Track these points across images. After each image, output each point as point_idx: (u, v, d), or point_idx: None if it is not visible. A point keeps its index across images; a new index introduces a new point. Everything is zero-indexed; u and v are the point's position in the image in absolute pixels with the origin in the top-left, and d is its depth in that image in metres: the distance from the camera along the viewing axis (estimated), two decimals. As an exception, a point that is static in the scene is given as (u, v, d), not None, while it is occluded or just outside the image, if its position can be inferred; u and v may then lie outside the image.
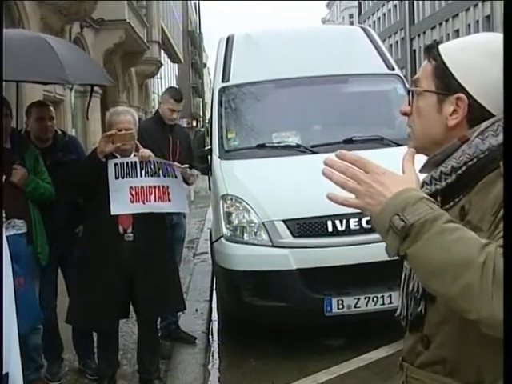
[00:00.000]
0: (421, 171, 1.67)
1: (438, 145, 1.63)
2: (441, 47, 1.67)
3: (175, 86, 51.76)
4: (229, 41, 7.42)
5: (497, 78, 1.55)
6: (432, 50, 1.68)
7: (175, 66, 51.92)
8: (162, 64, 32.15)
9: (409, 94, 1.72)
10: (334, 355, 5.50)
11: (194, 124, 56.39)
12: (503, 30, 1.48)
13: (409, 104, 1.71)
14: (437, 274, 1.33)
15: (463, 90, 1.58)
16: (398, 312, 1.72)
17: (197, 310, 6.89)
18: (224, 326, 6.72)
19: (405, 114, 1.73)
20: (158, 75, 34.13)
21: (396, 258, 1.42)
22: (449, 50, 1.65)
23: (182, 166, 4.87)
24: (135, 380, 5.06)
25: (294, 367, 5.32)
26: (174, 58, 46.57)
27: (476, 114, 1.58)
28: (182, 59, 50.58)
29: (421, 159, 1.68)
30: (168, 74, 45.98)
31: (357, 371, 5.22)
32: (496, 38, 1.63)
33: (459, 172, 1.57)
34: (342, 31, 8.82)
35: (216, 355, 6.06)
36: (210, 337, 6.48)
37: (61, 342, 5.16)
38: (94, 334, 5.11)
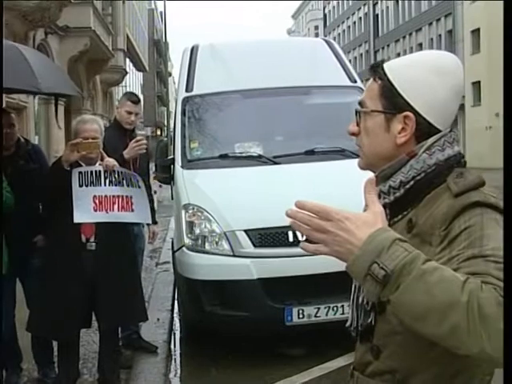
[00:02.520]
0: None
1: (387, 161, 1.67)
2: (386, 66, 1.69)
3: (140, 94, 51.63)
4: (193, 51, 7.46)
5: (443, 95, 1.62)
6: (377, 70, 1.70)
7: (140, 74, 51.82)
8: (126, 72, 32.00)
9: (356, 114, 1.74)
10: (295, 364, 5.52)
11: (159, 133, 56.26)
12: (503, 29, 1.52)
13: (357, 124, 1.73)
14: (422, 318, 1.32)
15: (410, 107, 1.62)
16: (349, 323, 1.75)
17: (158, 320, 6.88)
18: (185, 335, 6.72)
19: (353, 134, 1.75)
20: (123, 83, 33.98)
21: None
22: (394, 69, 1.67)
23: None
24: (95, 390, 5.04)
25: (255, 376, 5.35)
26: (139, 66, 46.44)
27: (424, 130, 1.62)
28: (148, 68, 50.46)
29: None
30: (133, 83, 45.84)
31: (317, 380, 5.26)
32: (442, 56, 1.69)
33: (407, 186, 1.62)
34: (305, 43, 8.91)
35: (177, 364, 6.06)
36: (172, 346, 6.48)
37: (20, 352, 5.12)
38: (54, 342, 5.08)
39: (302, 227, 1.43)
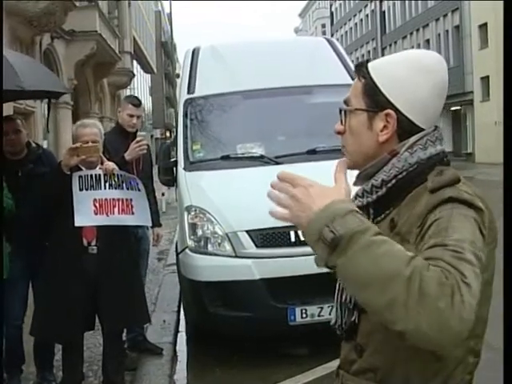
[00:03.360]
0: (354, 184, 1.73)
1: (371, 160, 1.68)
2: (370, 65, 1.71)
3: (148, 96, 51.73)
4: (194, 53, 7.49)
5: (425, 93, 1.63)
6: (361, 69, 1.72)
7: (148, 76, 51.92)
8: (134, 74, 32.09)
9: (341, 113, 1.75)
10: (298, 364, 5.56)
11: (168, 134, 56.31)
12: (503, 29, 1.53)
13: (342, 123, 1.75)
14: (364, 286, 1.35)
15: (392, 105, 1.63)
16: (333, 321, 1.77)
17: (164, 321, 6.91)
18: (190, 336, 6.75)
19: (338, 133, 1.76)
20: (131, 86, 34.06)
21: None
22: (377, 68, 1.69)
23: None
24: (100, 392, 5.07)
25: (258, 376, 5.38)
26: (147, 68, 46.59)
27: (405, 128, 1.64)
28: (155, 69, 50.56)
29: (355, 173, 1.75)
30: (141, 85, 45.94)
31: (320, 380, 5.28)
32: (425, 55, 1.70)
33: (389, 185, 1.63)
34: (307, 43, 8.93)
35: (182, 366, 6.09)
36: (177, 347, 6.50)
37: (23, 355, 5.14)
38: (57, 346, 5.12)
39: (272, 193, 1.50)
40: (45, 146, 17.55)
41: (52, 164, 5.18)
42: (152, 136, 50.32)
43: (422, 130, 1.65)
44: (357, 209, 1.43)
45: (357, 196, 1.71)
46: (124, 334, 5.57)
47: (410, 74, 1.64)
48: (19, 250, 4.62)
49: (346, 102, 1.75)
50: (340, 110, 1.75)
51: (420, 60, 1.67)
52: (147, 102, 51.41)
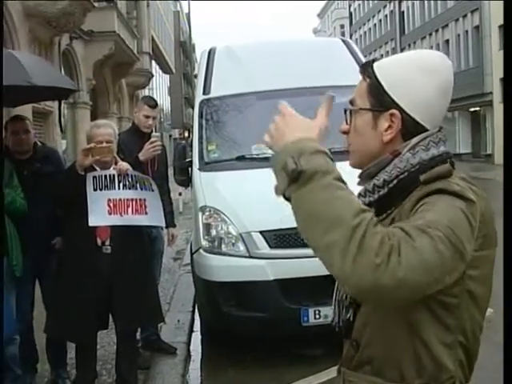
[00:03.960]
0: (358, 184, 1.75)
1: (375, 160, 1.70)
2: (375, 65, 1.72)
3: (167, 96, 51.85)
4: (210, 53, 7.51)
5: (430, 94, 1.64)
6: (367, 68, 1.73)
7: (167, 76, 52.02)
8: (152, 75, 32.20)
9: (346, 112, 1.77)
10: (311, 365, 5.55)
11: (186, 134, 56.41)
12: (503, 28, 1.53)
13: (347, 123, 1.76)
14: (312, 223, 1.41)
15: (397, 105, 1.64)
16: (331, 319, 1.81)
17: (179, 321, 6.94)
18: (204, 336, 6.77)
19: (344, 132, 1.78)
20: (150, 86, 34.17)
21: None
22: (382, 67, 1.70)
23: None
24: (113, 390, 5.10)
25: (272, 377, 5.38)
26: (165, 68, 46.68)
27: (410, 128, 1.65)
28: (174, 70, 50.67)
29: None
30: (160, 85, 46.06)
31: (334, 380, 5.25)
32: (430, 55, 1.71)
33: (390, 185, 1.64)
34: (322, 43, 8.94)
35: (195, 365, 6.11)
36: (191, 347, 6.52)
37: (36, 353, 5.19)
38: (69, 344, 5.16)
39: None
40: (63, 146, 17.77)
41: (58, 163, 5.22)
42: (170, 136, 50.47)
43: (427, 130, 1.65)
44: (327, 151, 1.48)
45: (359, 195, 1.72)
46: (138, 334, 5.60)
47: (415, 74, 1.65)
48: (27, 248, 4.66)
49: (352, 102, 1.76)
50: (345, 110, 1.77)
51: (424, 60, 1.68)
52: (166, 102, 51.56)
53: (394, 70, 1.68)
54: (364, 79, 1.73)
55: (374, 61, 1.76)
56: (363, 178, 1.74)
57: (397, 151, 1.65)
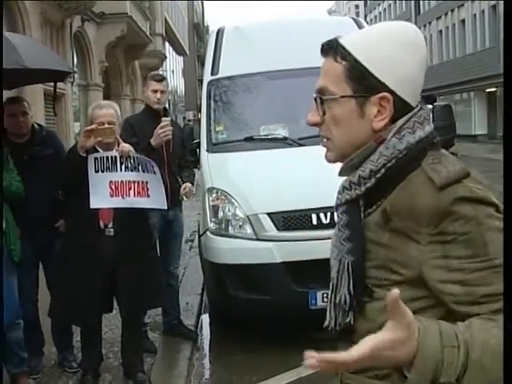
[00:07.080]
0: (339, 175, 1.62)
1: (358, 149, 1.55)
2: (347, 44, 1.53)
3: (181, 78, 51.69)
4: (219, 34, 7.38)
5: (414, 70, 1.52)
6: (337, 49, 1.53)
7: (181, 58, 51.85)
8: (165, 57, 32.08)
9: (316, 101, 1.57)
10: (319, 348, 5.41)
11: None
12: (503, 29, 1.43)
13: (319, 114, 1.57)
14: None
15: (385, 87, 1.49)
16: (327, 323, 1.65)
17: (187, 304, 6.90)
18: (212, 319, 6.72)
19: (314, 124, 1.59)
20: (164, 68, 34.02)
21: None
22: (360, 47, 1.52)
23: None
24: (120, 373, 5.07)
25: (278, 360, 5.31)
26: (179, 50, 46.52)
27: (400, 111, 1.50)
28: (188, 52, 50.49)
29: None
30: (174, 67, 45.92)
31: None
32: (406, 29, 1.56)
33: (378, 175, 1.50)
34: (333, 22, 8.76)
35: (202, 348, 6.07)
36: (199, 330, 6.47)
37: (42, 336, 5.17)
38: (75, 327, 5.13)
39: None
40: (76, 129, 17.72)
41: (56, 145, 5.13)
42: (184, 118, 50.39)
43: (413, 109, 1.52)
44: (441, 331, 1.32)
45: (344, 189, 1.58)
46: (146, 317, 5.56)
47: (398, 51, 1.50)
48: (27, 232, 4.60)
49: (322, 91, 1.55)
50: (315, 99, 1.57)
51: (404, 34, 1.53)
52: (180, 84, 51.41)
53: (373, 48, 1.51)
54: (336, 61, 1.53)
55: (337, 40, 1.55)
56: (346, 170, 1.58)
57: (381, 137, 1.50)
